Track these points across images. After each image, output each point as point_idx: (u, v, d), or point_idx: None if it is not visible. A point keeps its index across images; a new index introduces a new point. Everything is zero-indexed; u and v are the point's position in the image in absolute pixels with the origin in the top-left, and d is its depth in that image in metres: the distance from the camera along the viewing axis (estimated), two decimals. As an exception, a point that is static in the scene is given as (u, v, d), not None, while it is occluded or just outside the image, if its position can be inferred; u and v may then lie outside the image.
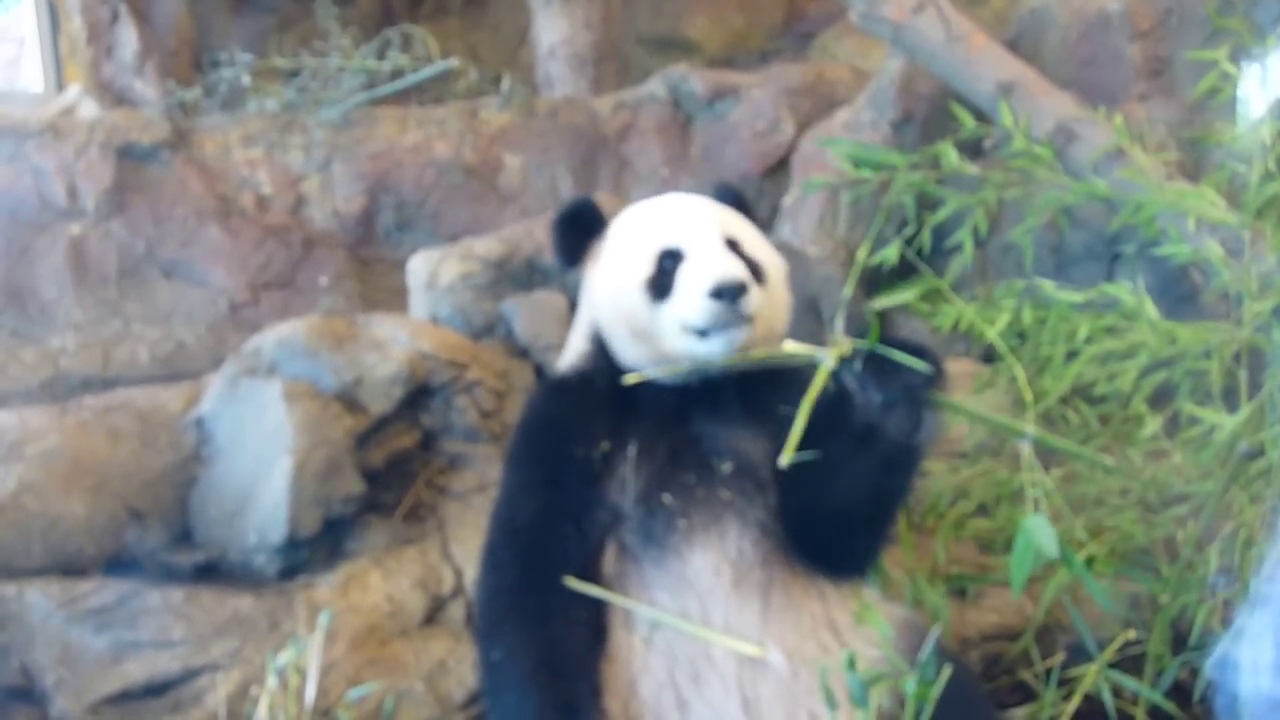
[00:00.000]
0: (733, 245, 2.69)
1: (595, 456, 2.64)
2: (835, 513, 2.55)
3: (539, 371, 4.47)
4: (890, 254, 4.27)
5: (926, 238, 4.33)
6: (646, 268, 2.63)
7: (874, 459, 2.46)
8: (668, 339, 2.60)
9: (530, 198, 6.02)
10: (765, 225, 6.02)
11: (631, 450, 2.63)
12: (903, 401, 2.36)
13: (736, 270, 2.52)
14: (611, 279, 2.67)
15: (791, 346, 2.44)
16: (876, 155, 4.48)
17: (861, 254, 3.73)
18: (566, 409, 2.72)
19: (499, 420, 4.28)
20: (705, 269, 2.54)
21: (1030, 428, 2.39)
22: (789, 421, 2.42)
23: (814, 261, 5.11)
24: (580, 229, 2.78)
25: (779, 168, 5.91)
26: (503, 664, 2.58)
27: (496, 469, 3.96)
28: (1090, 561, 3.22)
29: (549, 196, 6.00)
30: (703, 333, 2.56)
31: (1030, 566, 2.30)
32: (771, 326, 2.70)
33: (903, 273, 4.53)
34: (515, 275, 4.83)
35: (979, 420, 2.56)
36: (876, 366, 2.37)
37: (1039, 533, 2.27)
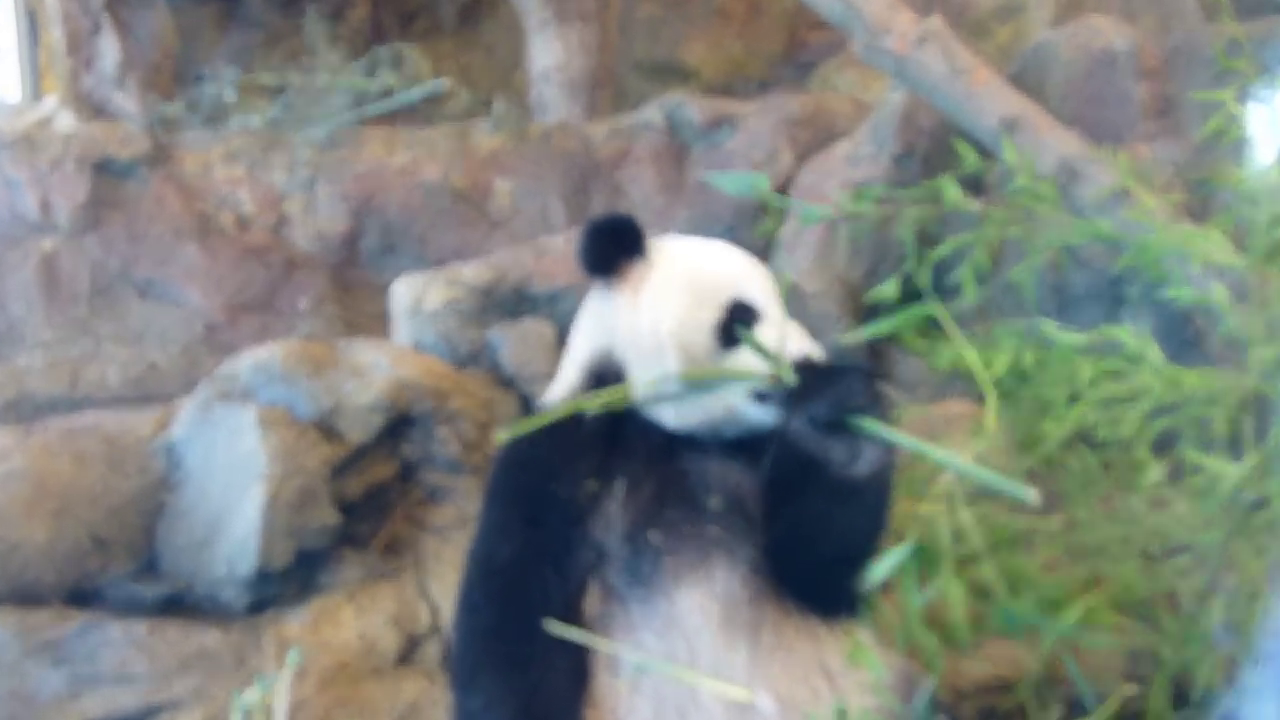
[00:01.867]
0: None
1: (579, 494, 2.62)
2: (812, 550, 2.54)
3: (525, 403, 4.46)
4: (889, 291, 4.25)
5: (926, 275, 4.31)
6: (714, 312, 2.63)
7: (825, 492, 2.45)
8: (721, 391, 2.63)
9: (520, 223, 6.03)
10: (760, 257, 6.07)
11: (619, 488, 2.62)
12: (829, 429, 2.38)
13: (816, 351, 2.57)
14: (667, 310, 2.65)
15: (730, 370, 2.50)
16: (876, 189, 4.50)
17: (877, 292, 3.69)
18: (551, 444, 2.68)
19: (481, 452, 4.27)
20: (790, 340, 2.59)
21: (962, 460, 2.38)
22: (792, 465, 2.44)
23: (810, 297, 5.12)
24: (618, 244, 2.74)
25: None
26: (480, 713, 2.55)
27: (478, 503, 3.95)
28: (1089, 613, 3.20)
29: (539, 223, 6.02)
30: (761, 396, 2.59)
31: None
32: None
33: (902, 311, 4.52)
34: (502, 303, 4.83)
35: (910, 448, 2.54)
36: (804, 393, 2.40)
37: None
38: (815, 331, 5.03)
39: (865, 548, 2.61)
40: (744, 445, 2.67)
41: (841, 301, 5.06)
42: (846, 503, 2.49)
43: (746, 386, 2.58)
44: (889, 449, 2.47)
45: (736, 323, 2.62)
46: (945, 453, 2.39)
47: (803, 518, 2.48)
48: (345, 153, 6.01)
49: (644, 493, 2.63)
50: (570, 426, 2.70)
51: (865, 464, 2.42)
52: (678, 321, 2.62)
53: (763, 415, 2.60)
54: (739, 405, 2.61)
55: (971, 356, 3.63)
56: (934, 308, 2.75)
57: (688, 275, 2.70)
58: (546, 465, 2.66)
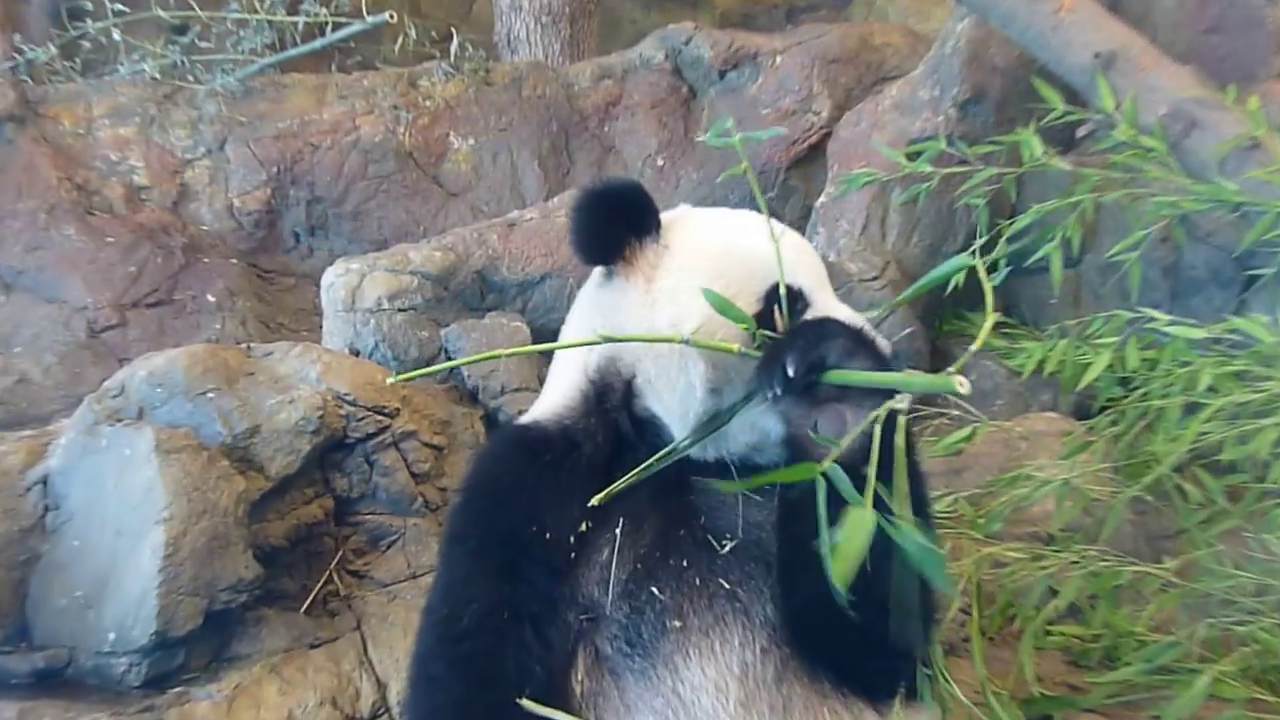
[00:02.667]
0: None
1: (567, 538, 2.60)
2: (833, 600, 2.53)
3: (491, 422, 4.45)
4: (954, 271, 4.25)
5: (1002, 253, 4.32)
6: (753, 302, 2.61)
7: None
8: (751, 409, 2.61)
9: (483, 192, 6.07)
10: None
11: (617, 531, 2.60)
12: (805, 395, 2.40)
13: (870, 331, 2.54)
14: (690, 303, 2.62)
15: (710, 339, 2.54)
16: (937, 141, 4.49)
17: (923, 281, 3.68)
18: (536, 473, 2.65)
19: (437, 485, 4.27)
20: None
21: (960, 382, 2.32)
22: (810, 486, 2.41)
23: (855, 280, 5.11)
24: (623, 221, 2.72)
25: (810, 158, 5.95)
26: None
27: (433, 550, 3.94)
28: (1214, 683, 3.20)
29: (508, 191, 6.02)
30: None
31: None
32: None
33: (972, 297, 4.52)
34: (463, 294, 4.84)
35: (868, 381, 2.53)
36: (765, 356, 2.42)
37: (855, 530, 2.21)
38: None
39: (905, 591, 2.58)
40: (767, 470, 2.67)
41: (895, 287, 5.05)
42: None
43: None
44: (893, 427, 2.44)
45: (774, 314, 2.57)
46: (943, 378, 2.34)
47: (814, 554, 2.46)
48: (262, 106, 6.01)
49: (646, 534, 2.62)
50: (567, 453, 2.69)
51: (862, 443, 2.41)
52: (705, 319, 2.59)
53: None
54: (769, 425, 2.57)
55: (1064, 358, 3.64)
56: (971, 260, 2.70)
57: (714, 257, 2.68)
58: (530, 499, 2.64)
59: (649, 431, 2.68)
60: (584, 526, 2.62)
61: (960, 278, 4.27)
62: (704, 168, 6.01)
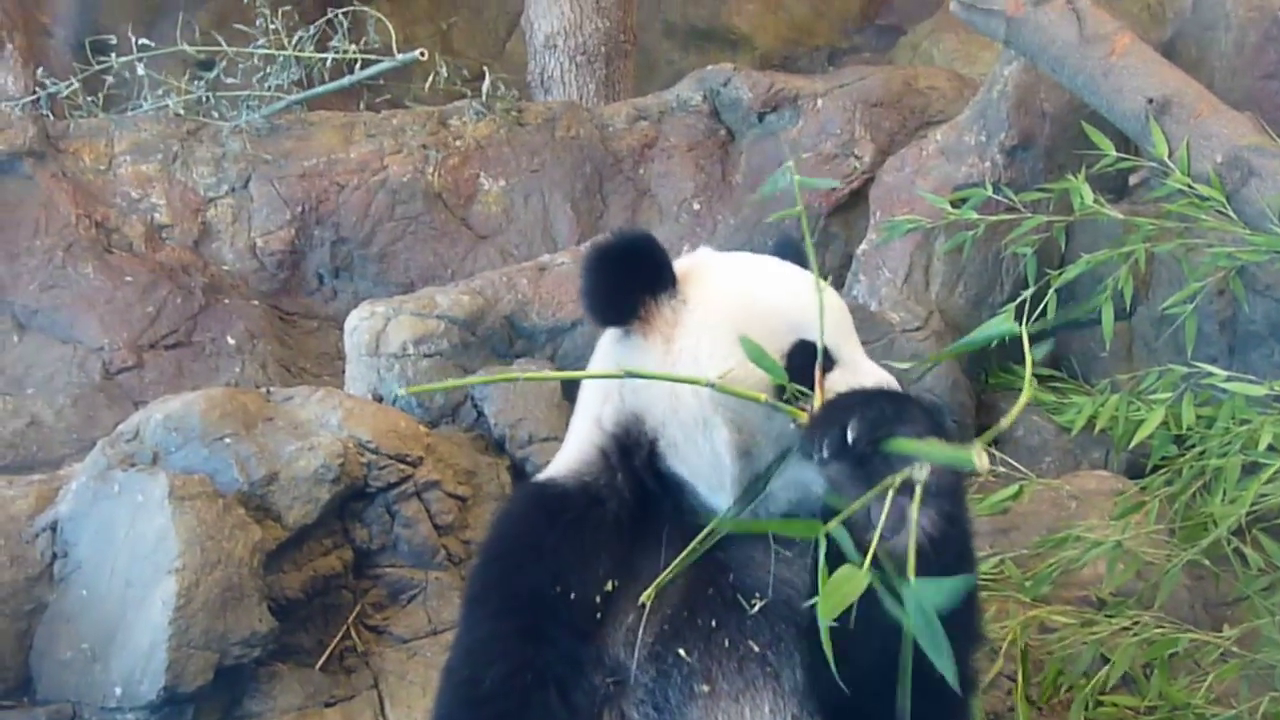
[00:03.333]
0: None
1: (593, 599, 2.57)
2: (865, 674, 2.51)
3: (518, 472, 4.44)
4: (1003, 325, 4.23)
5: (1052, 304, 4.29)
6: (777, 360, 2.58)
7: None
8: (788, 470, 2.56)
9: (514, 235, 6.07)
10: (831, 281, 6.05)
11: (646, 592, 2.58)
12: (856, 470, 2.35)
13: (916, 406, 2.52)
14: (710, 366, 2.59)
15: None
16: (983, 189, 4.48)
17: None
18: (559, 532, 2.64)
19: (460, 537, 4.25)
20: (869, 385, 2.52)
21: (979, 454, 2.28)
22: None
23: (897, 330, 5.09)
24: (635, 277, 2.71)
25: (852, 204, 5.94)
26: None
27: (455, 605, 3.91)
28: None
29: (539, 234, 6.03)
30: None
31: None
32: None
33: (1020, 349, 4.48)
34: (490, 339, 4.83)
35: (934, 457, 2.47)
36: (818, 420, 2.36)
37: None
38: (904, 379, 5.05)
39: (943, 670, 2.54)
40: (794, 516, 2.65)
41: (938, 339, 5.02)
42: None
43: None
44: (958, 499, 2.41)
45: (796, 370, 2.52)
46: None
47: (848, 625, 2.43)
48: (288, 144, 6.04)
49: (673, 593, 2.59)
50: (590, 510, 2.68)
51: (927, 524, 2.37)
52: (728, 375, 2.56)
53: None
54: (812, 480, 2.51)
55: (1116, 415, 3.61)
56: (1011, 325, 2.67)
57: (735, 312, 2.67)
58: (553, 560, 2.61)
59: (675, 489, 2.66)
60: (609, 586, 2.60)
61: (1009, 331, 4.26)
62: (741, 212, 6.00)
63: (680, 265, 2.78)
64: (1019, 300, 4.37)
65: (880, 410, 2.26)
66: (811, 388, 2.53)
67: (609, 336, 2.80)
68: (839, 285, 5.65)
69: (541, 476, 2.85)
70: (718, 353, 2.60)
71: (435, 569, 4.19)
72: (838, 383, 2.54)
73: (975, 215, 4.47)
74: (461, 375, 4.65)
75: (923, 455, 2.16)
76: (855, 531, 2.23)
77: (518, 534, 2.73)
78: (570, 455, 2.81)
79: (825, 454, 2.28)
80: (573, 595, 2.58)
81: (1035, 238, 4.44)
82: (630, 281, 2.69)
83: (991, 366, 5.22)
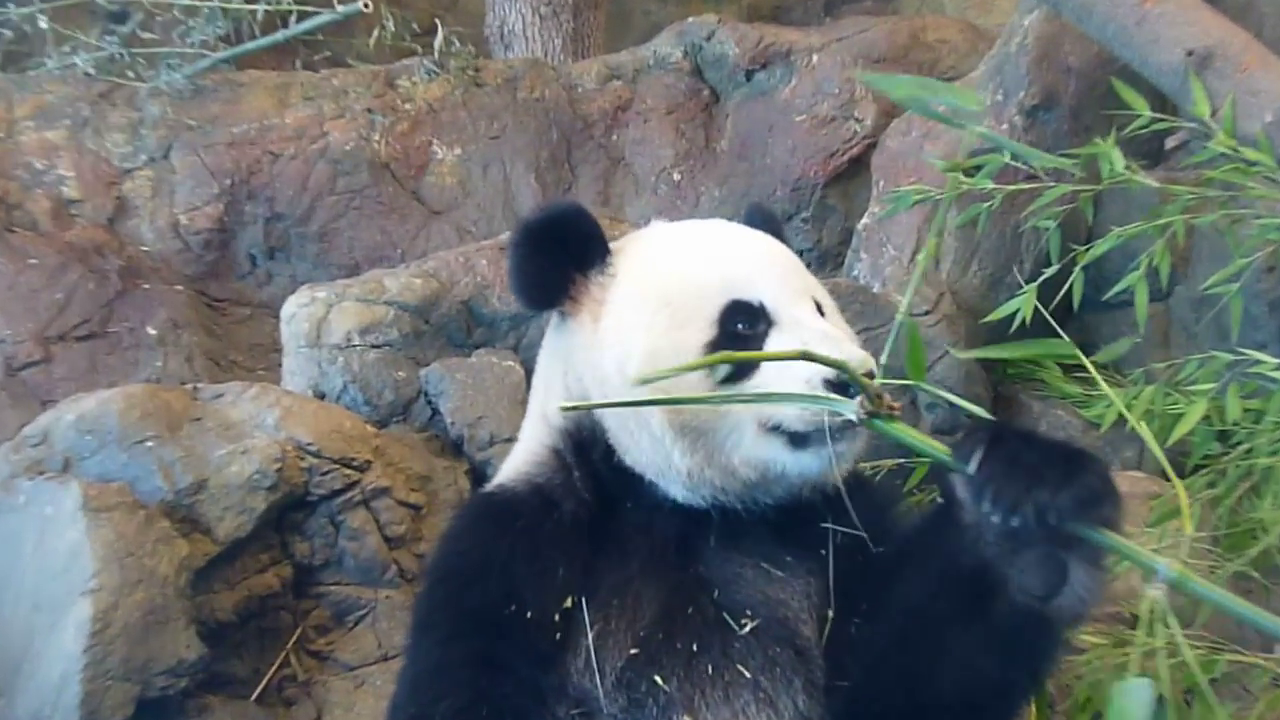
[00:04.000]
0: (817, 308, 2.73)
1: (552, 617, 2.60)
2: (914, 707, 2.51)
3: (478, 478, 4.45)
4: (1022, 307, 4.25)
5: (1078, 284, 4.30)
6: (706, 328, 2.65)
7: (979, 624, 2.39)
8: (734, 442, 2.61)
9: (471, 210, 6.10)
10: (828, 259, 6.06)
11: (608, 604, 2.61)
12: (1042, 538, 2.31)
13: (862, 352, 2.52)
14: (634, 340, 2.67)
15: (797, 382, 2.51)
16: (1000, 154, 4.48)
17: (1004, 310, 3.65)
18: (510, 543, 2.68)
19: (414, 551, 4.27)
20: (816, 342, 2.52)
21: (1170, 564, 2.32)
22: (851, 553, 2.44)
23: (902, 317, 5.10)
24: (564, 252, 2.77)
25: (851, 172, 5.96)
26: None
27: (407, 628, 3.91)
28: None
29: (500, 207, 6.03)
30: (799, 438, 2.56)
31: None
32: None
33: (1042, 333, 4.50)
34: (446, 327, 4.85)
35: (1134, 560, 2.48)
36: (1004, 465, 2.32)
37: (1134, 701, 2.22)
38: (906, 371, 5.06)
39: (1011, 712, 2.57)
40: (785, 526, 2.68)
41: (950, 324, 5.03)
42: (1015, 648, 2.41)
43: (759, 423, 2.56)
44: (1103, 577, 2.41)
45: (733, 335, 2.62)
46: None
47: (925, 656, 2.43)
48: (215, 108, 6.02)
49: (645, 610, 2.61)
50: (545, 517, 2.70)
51: (1074, 599, 2.33)
52: (650, 352, 2.63)
53: (800, 464, 2.58)
54: (753, 453, 2.60)
55: (1150, 408, 3.61)
56: (1063, 344, 2.71)
57: (661, 281, 2.73)
58: (504, 574, 2.64)
59: (633, 482, 2.70)
60: (569, 602, 2.62)
61: (1027, 311, 4.27)
62: (727, 182, 6.00)
63: (618, 241, 2.83)
64: (1040, 280, 4.38)
65: (1083, 489, 2.24)
66: (746, 345, 2.61)
67: (551, 321, 2.89)
68: (838, 265, 5.66)
69: (491, 484, 2.91)
70: (640, 323, 2.66)
71: (385, 587, 4.20)
72: (787, 341, 2.59)
73: (991, 184, 4.47)
74: (414, 368, 4.67)
75: (1121, 552, 2.25)
76: (994, 579, 2.33)
77: (465, 549, 2.76)
78: (521, 457, 2.87)
79: (994, 513, 2.27)
80: (529, 614, 2.60)
81: (1059, 209, 4.43)
82: (556, 259, 2.76)
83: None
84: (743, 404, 2.56)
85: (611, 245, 2.80)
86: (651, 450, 2.64)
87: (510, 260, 2.79)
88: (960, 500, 2.33)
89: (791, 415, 2.54)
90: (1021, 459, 2.27)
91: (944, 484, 2.40)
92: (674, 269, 2.75)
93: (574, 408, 2.65)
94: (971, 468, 2.27)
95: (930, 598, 2.43)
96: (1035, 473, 2.24)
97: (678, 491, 2.65)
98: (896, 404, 2.39)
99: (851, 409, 2.37)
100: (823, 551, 2.63)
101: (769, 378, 2.56)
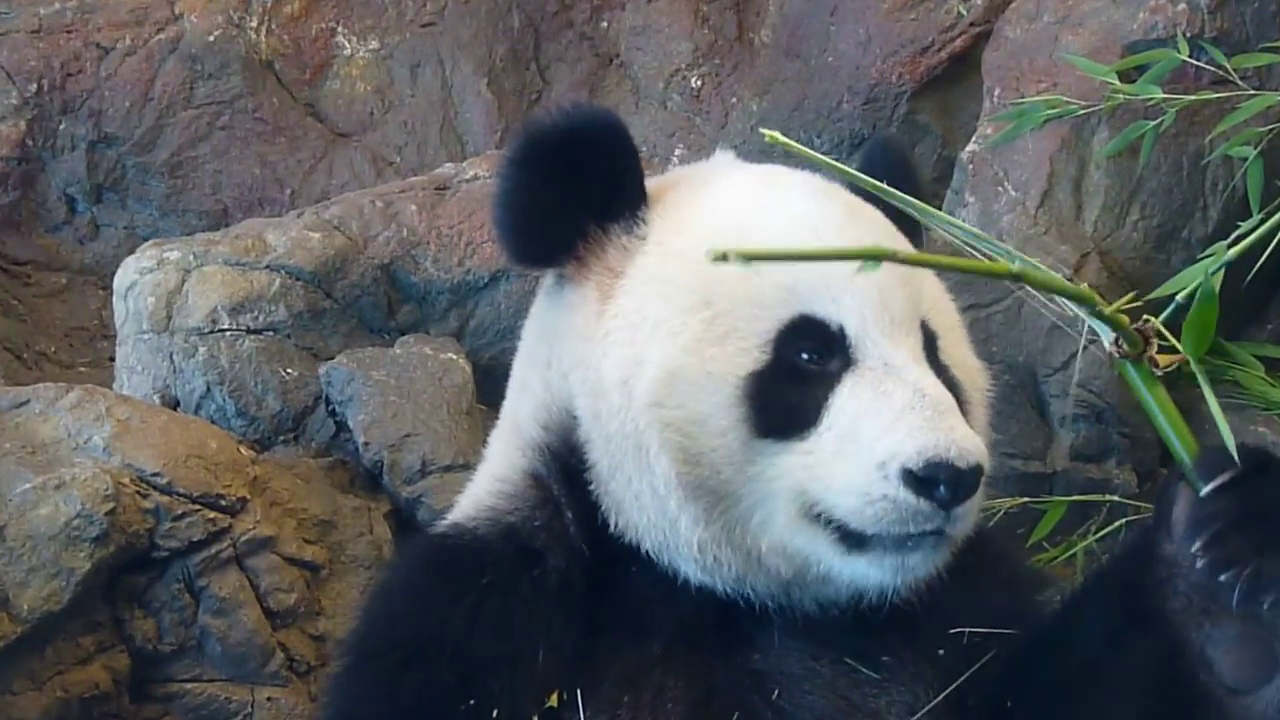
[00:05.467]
0: (928, 340, 2.78)
1: (529, 718, 2.63)
2: None
3: (405, 522, 4.47)
4: (1204, 275, 4.25)
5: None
6: (754, 351, 2.68)
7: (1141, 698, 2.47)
8: (761, 520, 2.65)
9: (393, 131, 6.16)
10: (922, 198, 6.07)
11: (618, 705, 2.64)
12: (1245, 615, 2.34)
13: (972, 438, 2.59)
14: (651, 346, 2.70)
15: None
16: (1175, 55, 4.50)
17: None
18: (468, 610, 2.70)
19: (309, 630, 4.31)
20: (903, 407, 2.58)
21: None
22: (974, 646, 2.50)
23: (1026, 285, 5.10)
24: (582, 187, 2.79)
25: (952, 76, 5.96)
26: None
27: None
28: None
29: (435, 129, 6.06)
30: (855, 539, 2.60)
31: None
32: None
33: (1234, 313, 4.52)
34: (357, 303, 4.89)
35: None
36: (1250, 502, 2.35)
37: None
38: (1038, 355, 5.06)
39: None
40: (895, 614, 2.70)
41: (1101, 293, 5.03)
42: None
43: (807, 505, 2.61)
44: None
45: (791, 372, 2.66)
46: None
47: None
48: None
49: (670, 714, 2.64)
50: (512, 566, 2.73)
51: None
52: (669, 371, 2.66)
53: (859, 575, 2.63)
54: (811, 550, 2.64)
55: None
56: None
57: (700, 268, 2.70)
58: (461, 654, 2.66)
59: (637, 550, 2.74)
60: (554, 698, 2.64)
61: (1209, 285, 4.28)
62: (770, 91, 6.00)
63: (659, 180, 2.84)
64: (1235, 236, 4.39)
65: None
66: (806, 386, 2.65)
67: (544, 285, 2.94)
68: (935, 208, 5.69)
69: (445, 522, 2.94)
70: (664, 323, 2.69)
71: (268, 684, 4.23)
72: (857, 400, 2.62)
73: (1161, 94, 4.48)
74: (310, 362, 4.67)
75: None
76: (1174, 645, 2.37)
77: (404, 614, 2.78)
78: (485, 485, 2.91)
79: (1202, 556, 2.32)
80: (496, 712, 2.62)
81: (1261, 130, 4.44)
82: (569, 195, 2.78)
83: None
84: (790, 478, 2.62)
85: (649, 185, 2.81)
86: (654, 510, 2.68)
87: (500, 187, 2.82)
88: (1172, 522, 2.38)
89: (846, 507, 2.58)
90: (1267, 507, 2.32)
91: (1163, 489, 2.46)
92: (727, 239, 2.76)
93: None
94: (1204, 489, 2.29)
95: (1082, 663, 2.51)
96: (1273, 532, 2.30)
97: (688, 569, 2.70)
98: (1167, 358, 2.46)
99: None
100: (940, 651, 2.67)
101: (828, 446, 2.60)
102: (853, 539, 2.59)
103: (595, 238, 2.79)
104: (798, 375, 2.64)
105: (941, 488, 2.50)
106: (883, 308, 2.70)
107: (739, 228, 2.79)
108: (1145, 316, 2.43)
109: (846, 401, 2.60)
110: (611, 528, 2.73)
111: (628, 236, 2.79)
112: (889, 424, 2.55)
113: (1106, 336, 2.41)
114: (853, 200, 2.92)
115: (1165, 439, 2.38)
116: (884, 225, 2.92)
